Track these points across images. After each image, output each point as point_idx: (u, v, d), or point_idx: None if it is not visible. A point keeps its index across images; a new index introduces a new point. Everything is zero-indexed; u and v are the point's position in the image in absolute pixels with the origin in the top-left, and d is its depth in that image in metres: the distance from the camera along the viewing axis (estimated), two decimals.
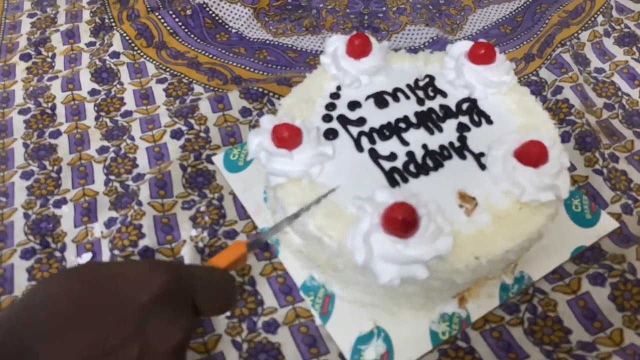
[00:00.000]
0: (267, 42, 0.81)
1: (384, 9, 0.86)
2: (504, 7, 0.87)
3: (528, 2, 0.87)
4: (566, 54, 0.72)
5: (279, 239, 0.54)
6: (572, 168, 0.60)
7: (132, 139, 0.64)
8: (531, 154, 0.43)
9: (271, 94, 0.68)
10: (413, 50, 0.78)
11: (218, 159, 0.61)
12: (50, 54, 0.76)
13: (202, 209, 0.57)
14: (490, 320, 0.49)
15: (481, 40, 0.53)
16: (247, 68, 0.75)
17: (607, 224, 0.55)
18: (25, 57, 0.75)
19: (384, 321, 0.48)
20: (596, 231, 0.55)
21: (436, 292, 0.45)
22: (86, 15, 0.82)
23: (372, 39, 0.53)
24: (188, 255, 0.53)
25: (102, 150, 0.64)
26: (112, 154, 0.63)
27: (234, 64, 0.76)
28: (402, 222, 0.37)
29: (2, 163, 0.62)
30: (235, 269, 0.41)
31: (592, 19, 0.78)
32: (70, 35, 0.79)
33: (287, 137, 0.44)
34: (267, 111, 0.66)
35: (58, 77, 0.72)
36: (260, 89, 0.68)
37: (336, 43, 0.54)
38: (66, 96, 0.70)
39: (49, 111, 0.68)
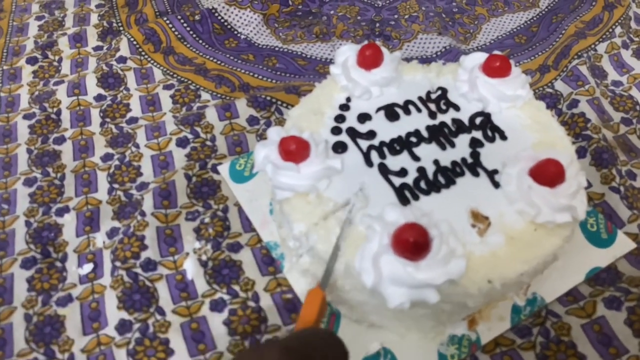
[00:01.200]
0: (277, 49, 0.79)
1: (395, 16, 0.84)
2: (518, 16, 0.85)
3: (544, 12, 0.85)
4: (583, 66, 0.70)
5: (284, 253, 0.52)
6: (587, 185, 0.58)
7: (137, 146, 0.63)
8: (548, 173, 0.41)
9: (279, 102, 0.67)
10: (425, 59, 0.76)
11: (224, 169, 0.59)
12: (57, 57, 0.75)
13: (207, 220, 0.56)
14: (501, 344, 0.47)
15: (496, 51, 0.51)
16: (256, 75, 0.74)
17: (623, 244, 0.53)
18: (31, 60, 0.75)
19: (390, 342, 0.46)
20: (612, 252, 0.53)
21: (446, 315, 0.44)
22: (94, 18, 0.82)
23: (384, 49, 0.52)
24: (190, 268, 0.52)
25: (107, 157, 0.62)
26: (117, 162, 0.62)
27: (242, 70, 0.75)
28: (413, 244, 0.35)
29: (5, 169, 0.62)
30: (322, 319, 0.39)
31: (610, 30, 0.76)
32: (78, 39, 0.78)
33: (295, 150, 0.43)
34: (274, 120, 0.65)
35: (64, 81, 0.71)
36: (268, 98, 0.67)
37: (347, 53, 0.52)
38: (72, 101, 0.69)
39: (54, 116, 0.67)
